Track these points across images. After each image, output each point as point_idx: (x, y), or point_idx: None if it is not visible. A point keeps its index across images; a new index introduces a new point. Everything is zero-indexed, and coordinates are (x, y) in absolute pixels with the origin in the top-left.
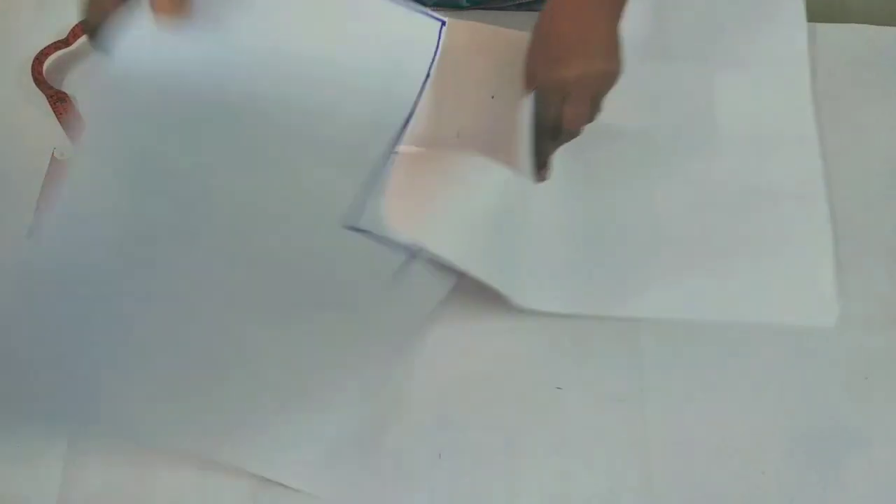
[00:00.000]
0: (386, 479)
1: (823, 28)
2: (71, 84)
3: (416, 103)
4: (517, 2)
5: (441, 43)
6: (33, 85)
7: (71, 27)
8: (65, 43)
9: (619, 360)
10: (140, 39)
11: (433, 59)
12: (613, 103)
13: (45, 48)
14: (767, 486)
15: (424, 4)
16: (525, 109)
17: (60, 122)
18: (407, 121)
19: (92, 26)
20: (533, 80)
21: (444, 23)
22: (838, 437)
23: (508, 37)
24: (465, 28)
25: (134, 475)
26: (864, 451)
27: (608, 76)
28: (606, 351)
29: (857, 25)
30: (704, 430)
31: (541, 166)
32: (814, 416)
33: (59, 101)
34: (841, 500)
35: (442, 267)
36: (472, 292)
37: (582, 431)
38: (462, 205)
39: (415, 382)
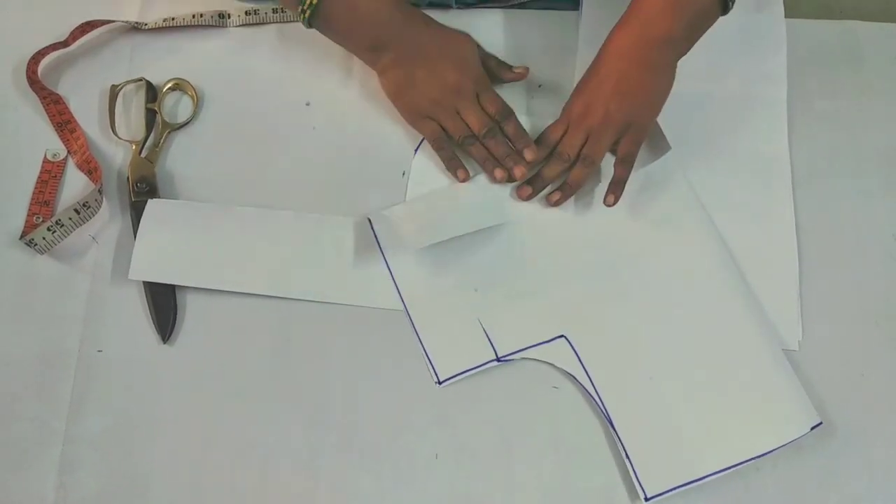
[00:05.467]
0: (383, 479)
1: (814, 24)
2: (65, 86)
3: None
4: (505, 4)
5: None
6: (27, 85)
7: (69, 28)
8: (64, 44)
9: None
10: None
11: None
12: None
13: (42, 49)
14: (763, 480)
15: (418, 6)
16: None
17: (53, 123)
18: None
19: None
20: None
21: None
22: (834, 431)
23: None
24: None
25: (128, 480)
26: (859, 445)
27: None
28: None
29: (847, 21)
30: None
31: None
32: None
33: (52, 103)
34: (836, 493)
35: None
36: None
37: (578, 429)
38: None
39: (411, 382)
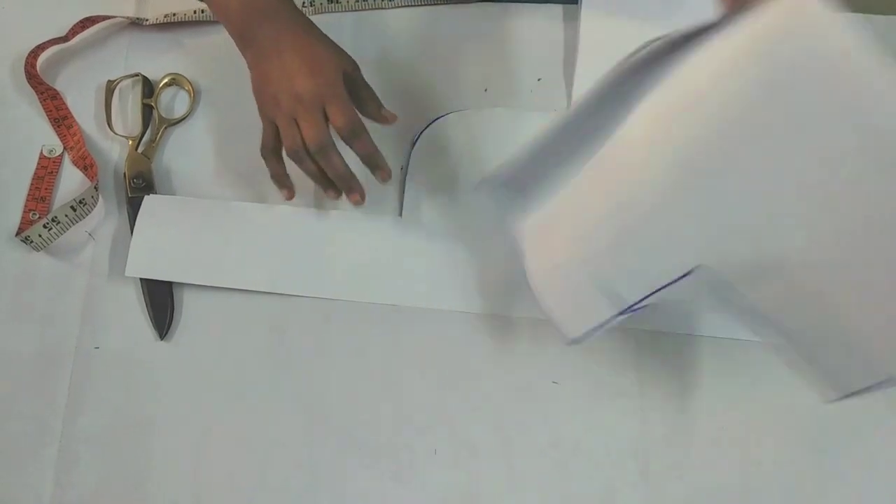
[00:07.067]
0: (382, 475)
1: None
2: (62, 82)
3: None
4: None
5: None
6: (24, 81)
7: (65, 24)
8: (63, 39)
9: (616, 354)
10: None
11: None
12: None
13: (41, 44)
14: (764, 478)
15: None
16: None
17: (50, 119)
18: None
19: None
20: None
21: None
22: (835, 428)
23: None
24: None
25: (125, 477)
26: (860, 442)
27: None
28: (602, 345)
29: (853, 15)
30: (700, 422)
31: None
32: (810, 407)
33: (49, 98)
34: (837, 490)
35: None
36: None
37: (578, 426)
38: None
39: (410, 379)
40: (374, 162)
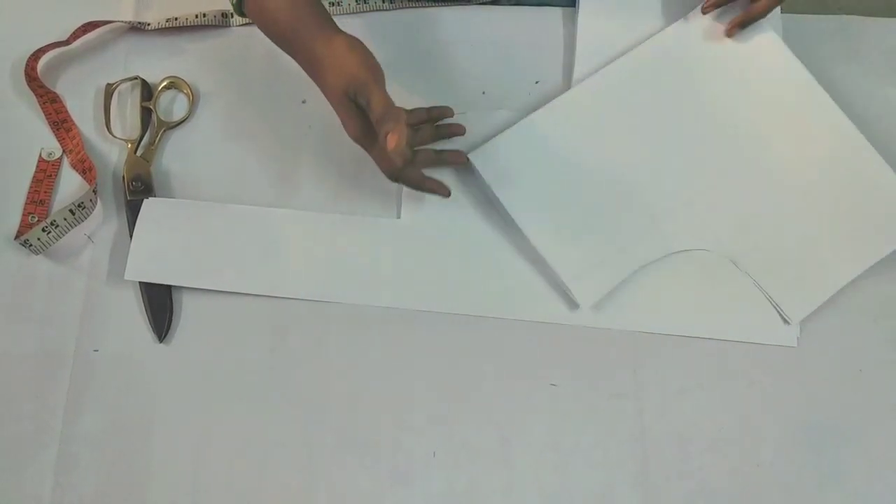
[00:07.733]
0: (381, 477)
1: (810, 20)
2: (61, 85)
3: None
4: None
5: None
6: (23, 84)
7: (64, 28)
8: (64, 43)
9: (614, 356)
10: None
11: None
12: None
13: (42, 47)
14: (763, 478)
15: (437, 1)
16: None
17: (49, 122)
18: None
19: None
20: None
21: None
22: (833, 428)
23: None
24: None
25: (124, 480)
26: (858, 442)
27: None
28: (600, 347)
29: (843, 17)
30: (699, 423)
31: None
32: (809, 408)
33: (49, 102)
34: (836, 491)
35: None
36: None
37: (577, 427)
38: None
39: (409, 381)
40: (430, 188)
